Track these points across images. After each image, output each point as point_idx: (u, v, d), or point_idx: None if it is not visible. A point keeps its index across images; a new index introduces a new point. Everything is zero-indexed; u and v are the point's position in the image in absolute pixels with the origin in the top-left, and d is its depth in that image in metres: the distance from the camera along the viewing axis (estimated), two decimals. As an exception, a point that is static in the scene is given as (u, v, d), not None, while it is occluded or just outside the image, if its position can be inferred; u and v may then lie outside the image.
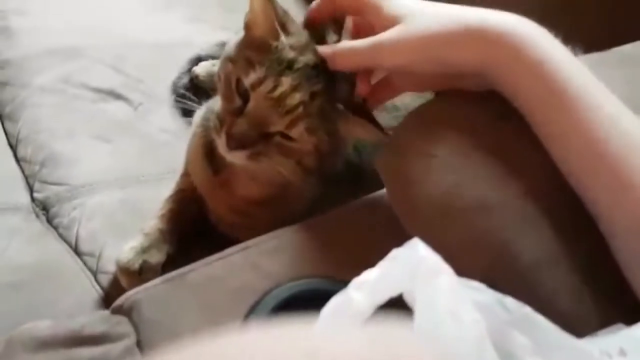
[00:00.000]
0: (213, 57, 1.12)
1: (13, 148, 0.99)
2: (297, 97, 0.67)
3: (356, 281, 0.39)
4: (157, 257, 0.82)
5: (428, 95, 1.01)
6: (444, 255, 0.47)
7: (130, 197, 0.94)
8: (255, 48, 0.70)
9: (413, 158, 0.59)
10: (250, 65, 0.68)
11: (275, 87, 0.67)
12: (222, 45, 1.12)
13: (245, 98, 0.69)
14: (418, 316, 0.37)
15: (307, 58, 0.71)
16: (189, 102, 1.02)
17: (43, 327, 0.60)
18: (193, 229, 0.88)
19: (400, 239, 0.64)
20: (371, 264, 0.64)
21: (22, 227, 0.89)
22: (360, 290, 0.39)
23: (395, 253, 0.39)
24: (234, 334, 0.31)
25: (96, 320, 0.60)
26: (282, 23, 0.71)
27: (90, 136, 1.00)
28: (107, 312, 0.63)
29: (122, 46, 1.13)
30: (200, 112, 0.88)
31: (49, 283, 0.81)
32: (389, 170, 0.62)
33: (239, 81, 0.70)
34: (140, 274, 0.80)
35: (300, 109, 0.68)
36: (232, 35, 1.14)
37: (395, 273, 0.39)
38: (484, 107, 0.59)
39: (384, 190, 0.70)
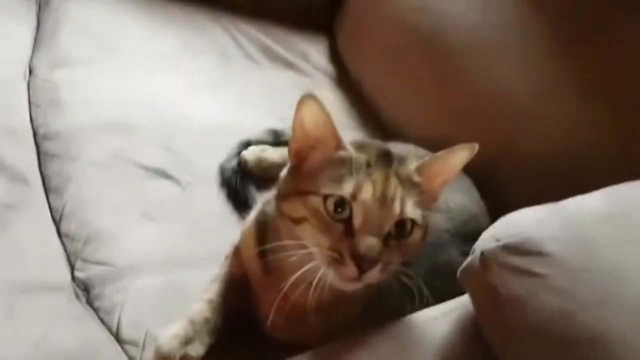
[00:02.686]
0: (262, 142, 1.12)
1: (56, 223, 0.96)
2: (393, 184, 0.68)
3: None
4: (198, 349, 0.77)
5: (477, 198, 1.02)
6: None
7: (174, 282, 0.91)
8: (330, 166, 0.71)
9: (509, 275, 0.57)
10: (336, 181, 0.69)
11: (374, 187, 0.68)
12: (271, 131, 1.15)
13: (344, 219, 0.68)
14: None
15: (371, 150, 0.73)
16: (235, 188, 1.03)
17: None
18: (237, 319, 0.85)
19: (485, 355, 0.62)
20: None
21: (63, 309, 0.85)
22: None
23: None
24: None
25: None
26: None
27: (137, 214, 0.98)
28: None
29: (172, 126, 1.13)
30: (257, 207, 0.87)
31: (90, 373, 0.77)
32: (478, 285, 0.60)
33: (326, 204, 0.69)
34: None
35: (399, 190, 0.68)
36: (277, 122, 1.18)
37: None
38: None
39: (465, 298, 0.67)
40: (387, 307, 0.76)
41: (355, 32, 1.46)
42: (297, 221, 0.71)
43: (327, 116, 0.70)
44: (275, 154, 1.11)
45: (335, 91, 1.38)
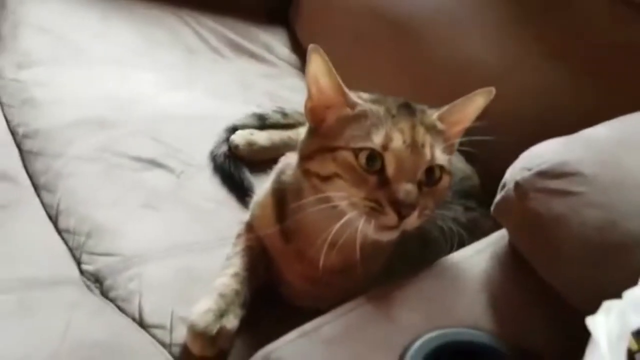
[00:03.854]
0: (248, 127, 1.12)
1: (53, 219, 0.93)
2: (420, 131, 0.70)
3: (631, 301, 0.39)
4: (233, 322, 0.76)
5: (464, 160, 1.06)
6: (605, 292, 0.49)
7: (185, 266, 0.89)
8: (355, 119, 0.72)
9: (548, 197, 0.61)
10: (364, 134, 0.70)
11: (403, 135, 0.70)
12: (255, 115, 1.15)
13: (376, 170, 0.70)
14: None
15: (390, 102, 0.75)
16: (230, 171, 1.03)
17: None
18: (260, 292, 0.84)
19: (525, 282, 0.66)
20: (501, 309, 0.65)
21: (79, 302, 0.82)
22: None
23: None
24: None
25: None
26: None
27: (136, 205, 0.96)
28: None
29: (155, 117, 1.11)
30: (272, 177, 0.87)
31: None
32: (517, 213, 0.64)
33: (359, 159, 0.70)
34: (215, 340, 0.74)
35: (428, 137, 0.71)
36: (255, 109, 1.18)
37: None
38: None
39: (496, 235, 0.71)
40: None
41: (313, 21, 1.48)
42: (326, 178, 0.72)
43: (331, 71, 0.72)
44: (263, 137, 1.11)
45: (304, 80, 1.39)
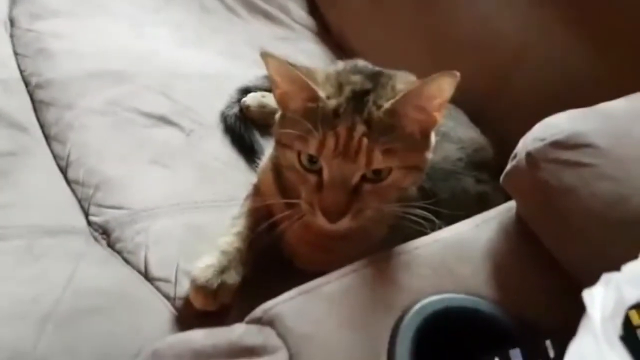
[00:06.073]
0: (260, 89, 1.11)
1: (62, 170, 0.93)
2: (359, 133, 0.68)
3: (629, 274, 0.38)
4: (234, 278, 0.78)
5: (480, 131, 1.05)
6: (611, 267, 0.48)
7: (192, 223, 0.89)
8: (300, 119, 0.71)
9: (559, 168, 0.60)
10: (304, 136, 0.69)
11: (337, 140, 0.68)
12: (268, 78, 1.13)
13: (318, 171, 0.70)
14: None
15: (346, 92, 0.72)
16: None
17: (199, 336, 0.54)
18: (265, 254, 0.85)
19: (530, 254, 0.66)
20: (505, 279, 0.65)
21: (85, 251, 0.82)
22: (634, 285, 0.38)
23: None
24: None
25: (251, 331, 0.56)
26: (312, 80, 0.71)
27: (145, 160, 0.96)
28: (250, 325, 0.58)
29: (167, 74, 1.11)
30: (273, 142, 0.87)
31: (126, 309, 0.76)
32: (527, 184, 0.63)
33: (301, 158, 0.71)
34: (216, 294, 0.76)
35: (365, 140, 0.68)
36: (265, 71, 1.17)
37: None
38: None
39: (506, 205, 0.71)
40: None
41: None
42: (287, 168, 0.75)
43: (292, 69, 0.70)
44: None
45: (319, 44, 1.39)
